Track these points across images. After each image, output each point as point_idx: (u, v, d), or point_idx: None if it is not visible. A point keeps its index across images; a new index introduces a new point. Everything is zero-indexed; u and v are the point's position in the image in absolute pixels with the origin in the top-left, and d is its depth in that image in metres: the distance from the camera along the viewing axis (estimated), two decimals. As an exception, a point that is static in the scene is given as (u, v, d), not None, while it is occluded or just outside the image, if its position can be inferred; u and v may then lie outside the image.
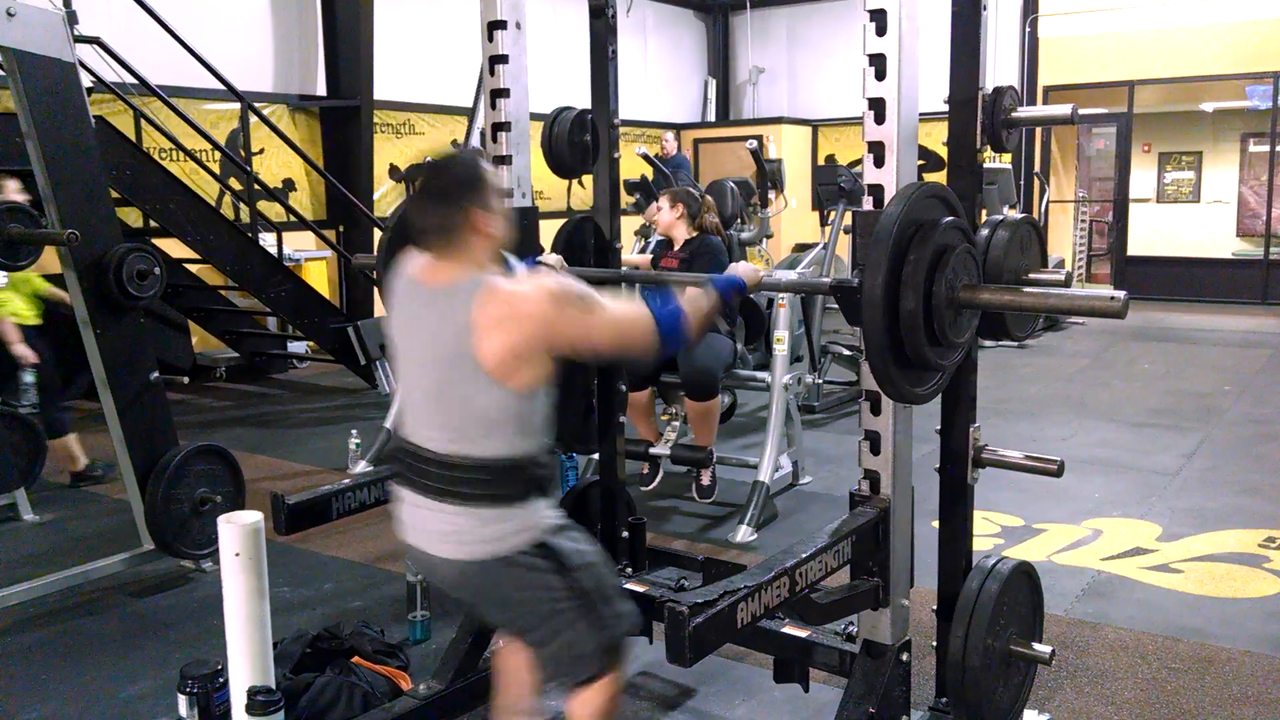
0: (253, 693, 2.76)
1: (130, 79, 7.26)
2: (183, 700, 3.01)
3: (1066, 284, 2.69)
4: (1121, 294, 1.98)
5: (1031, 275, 2.56)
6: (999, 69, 12.14)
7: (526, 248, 3.14)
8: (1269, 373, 8.28)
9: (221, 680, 3.00)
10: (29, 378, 5.19)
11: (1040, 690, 3.07)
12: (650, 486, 5.25)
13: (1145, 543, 4.45)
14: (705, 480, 5.07)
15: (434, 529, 2.15)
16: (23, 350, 5.08)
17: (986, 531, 4.55)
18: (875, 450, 2.50)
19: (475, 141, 6.77)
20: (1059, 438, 6.22)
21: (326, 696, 2.97)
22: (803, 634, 2.83)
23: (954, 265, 2.12)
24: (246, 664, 2.84)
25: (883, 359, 2.08)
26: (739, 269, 2.44)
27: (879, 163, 2.35)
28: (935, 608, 2.76)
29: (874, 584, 2.49)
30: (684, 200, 4.89)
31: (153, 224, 7.95)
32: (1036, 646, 2.72)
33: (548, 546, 2.17)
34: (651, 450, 4.66)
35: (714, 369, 4.77)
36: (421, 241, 2.16)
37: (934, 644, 2.75)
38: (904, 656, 2.55)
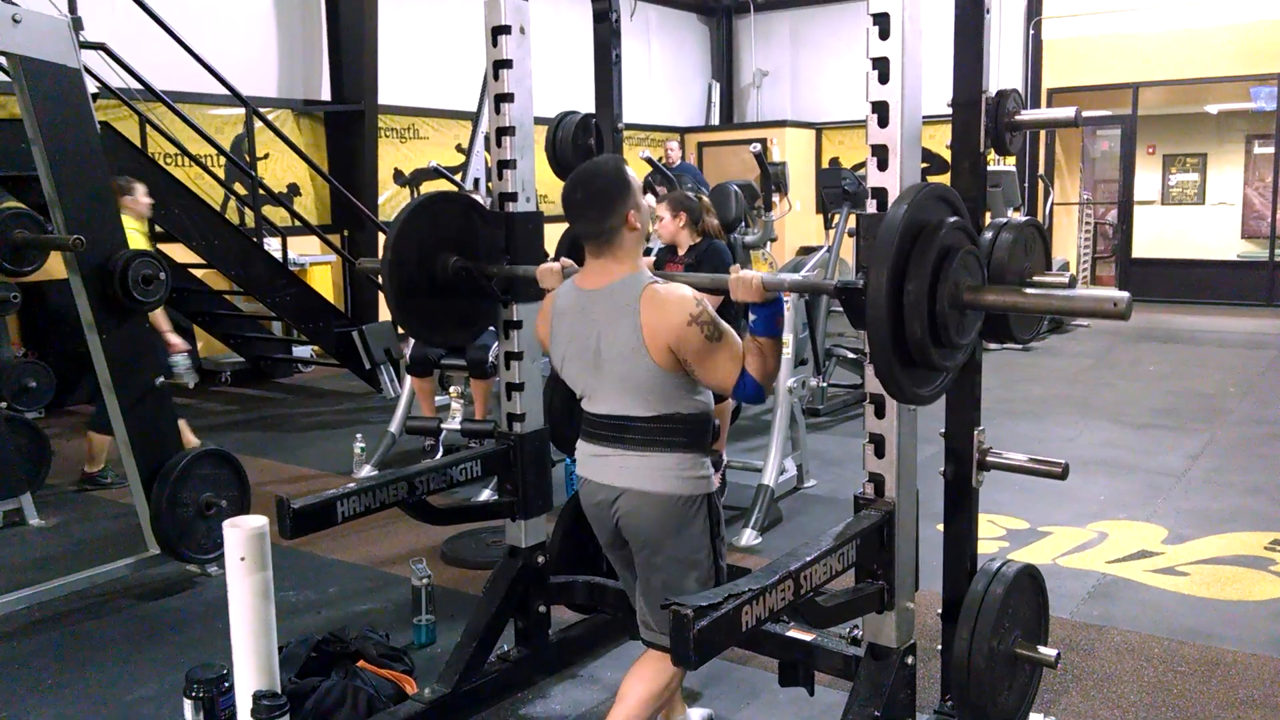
0: (258, 697, 2.77)
1: (135, 84, 7.28)
2: (188, 705, 3.01)
3: (1070, 286, 2.69)
4: (1124, 295, 1.96)
5: (1035, 278, 2.55)
6: (1003, 72, 12.12)
7: (531, 252, 3.15)
8: (1274, 374, 8.26)
9: (227, 684, 3.00)
10: (183, 361, 5.48)
11: (1046, 693, 3.06)
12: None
13: (1151, 545, 4.44)
14: (715, 482, 5.02)
15: (633, 467, 2.42)
16: (175, 339, 5.29)
17: (991, 534, 4.54)
18: (880, 453, 2.50)
19: (479, 146, 6.77)
20: (1064, 439, 6.21)
21: (331, 700, 2.97)
22: (807, 637, 2.83)
23: (958, 266, 2.11)
24: (252, 668, 2.84)
25: (887, 360, 2.07)
26: (743, 285, 2.37)
27: (882, 166, 2.34)
28: (940, 611, 2.75)
29: (879, 587, 2.48)
30: (684, 207, 4.86)
31: (158, 229, 7.96)
32: (1042, 649, 2.72)
33: (712, 504, 2.48)
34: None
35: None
36: (584, 242, 2.45)
37: (939, 647, 2.74)
38: (909, 659, 2.55)
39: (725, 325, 2.36)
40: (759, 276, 2.33)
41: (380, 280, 3.06)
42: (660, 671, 2.49)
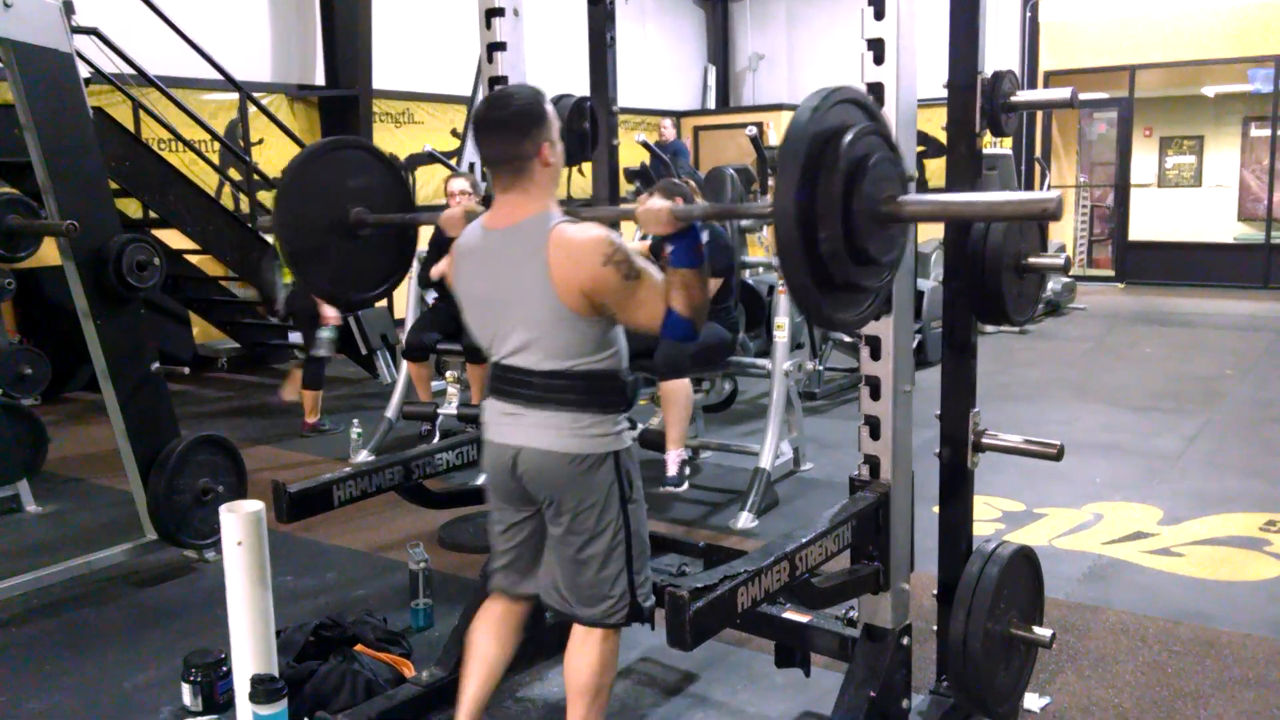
0: (256, 681, 2.77)
1: (128, 69, 7.25)
2: (186, 689, 3.03)
3: (1066, 268, 2.69)
4: (1054, 195, 1.80)
5: (1031, 259, 2.56)
6: (999, 53, 12.09)
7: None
8: (1271, 356, 8.27)
9: (225, 669, 3.02)
10: (327, 333, 6.12)
11: (1041, 673, 3.08)
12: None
13: (1147, 526, 4.45)
14: (671, 469, 4.75)
15: (532, 424, 2.31)
16: (329, 310, 5.75)
17: (988, 516, 4.55)
18: (875, 435, 2.51)
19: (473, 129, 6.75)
20: (1060, 422, 6.22)
21: (330, 684, 2.98)
22: (803, 619, 2.84)
23: (874, 175, 1.91)
24: (250, 652, 2.85)
25: (803, 283, 1.87)
26: (651, 216, 2.15)
27: (878, 147, 2.33)
28: (936, 592, 2.77)
29: (874, 568, 2.50)
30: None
31: (152, 215, 7.94)
32: (1037, 630, 2.73)
33: (622, 465, 2.34)
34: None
35: (681, 348, 4.51)
36: (492, 170, 2.31)
37: (935, 628, 2.76)
38: (905, 640, 2.56)
39: (643, 262, 2.21)
40: (667, 205, 2.14)
41: (276, 238, 2.86)
42: (599, 640, 2.37)
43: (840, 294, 1.97)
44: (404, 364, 6.04)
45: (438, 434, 5.89)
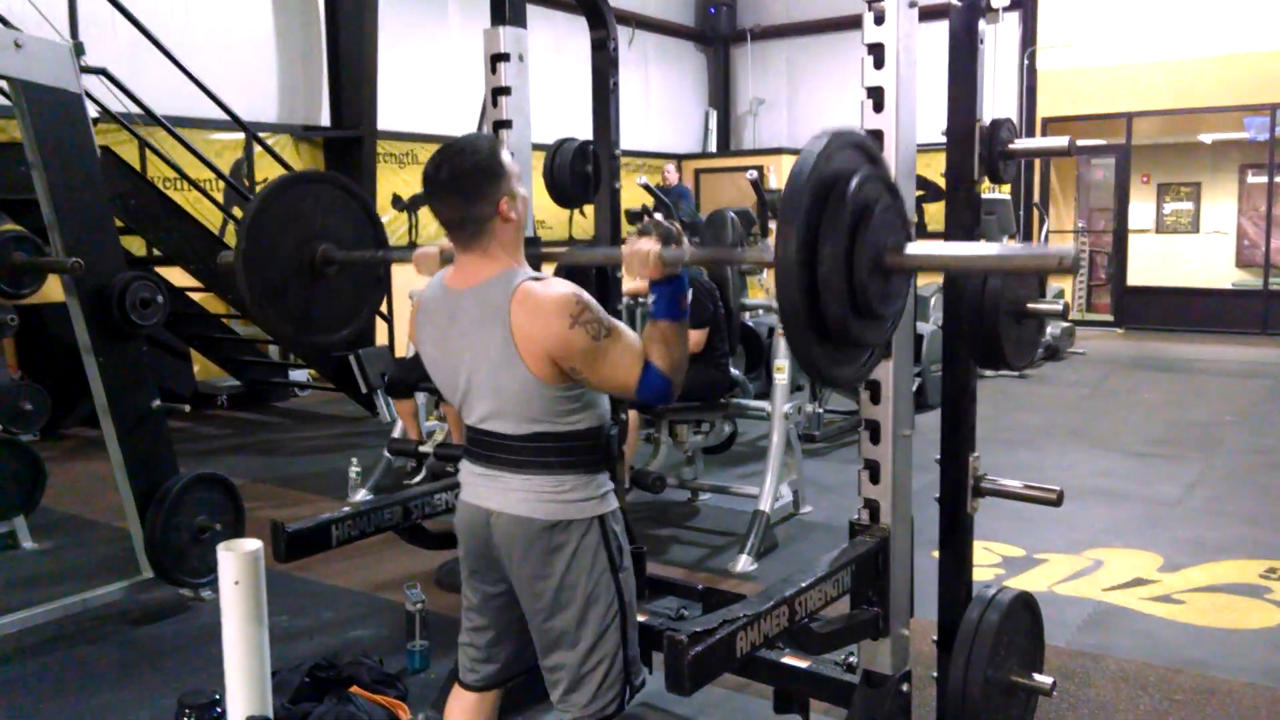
0: (250, 722, 2.75)
1: (135, 108, 7.32)
2: (180, 729, 3.00)
3: (1064, 315, 2.71)
4: (1069, 249, 1.72)
5: (1030, 305, 2.57)
6: (998, 101, 12.21)
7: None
8: (1270, 402, 8.28)
9: (219, 710, 2.99)
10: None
11: (1042, 721, 3.05)
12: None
13: (1147, 573, 4.43)
14: None
15: (507, 488, 2.14)
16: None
17: (987, 561, 4.53)
18: (875, 479, 2.51)
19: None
20: (1060, 467, 6.21)
21: (324, 726, 2.96)
22: (803, 664, 2.82)
23: (878, 225, 1.84)
24: (244, 693, 2.83)
25: (803, 336, 1.79)
26: (638, 259, 2.04)
27: (878, 193, 2.35)
28: (935, 638, 2.75)
29: (874, 613, 2.49)
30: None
31: (156, 252, 7.98)
32: (1037, 677, 2.72)
33: (609, 529, 2.16)
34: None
35: None
36: (449, 232, 2.14)
37: (934, 674, 2.74)
38: (904, 687, 2.55)
39: (614, 320, 2.05)
40: (656, 248, 2.01)
41: (236, 276, 2.65)
42: None
43: (839, 349, 1.91)
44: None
45: (425, 472, 5.89)
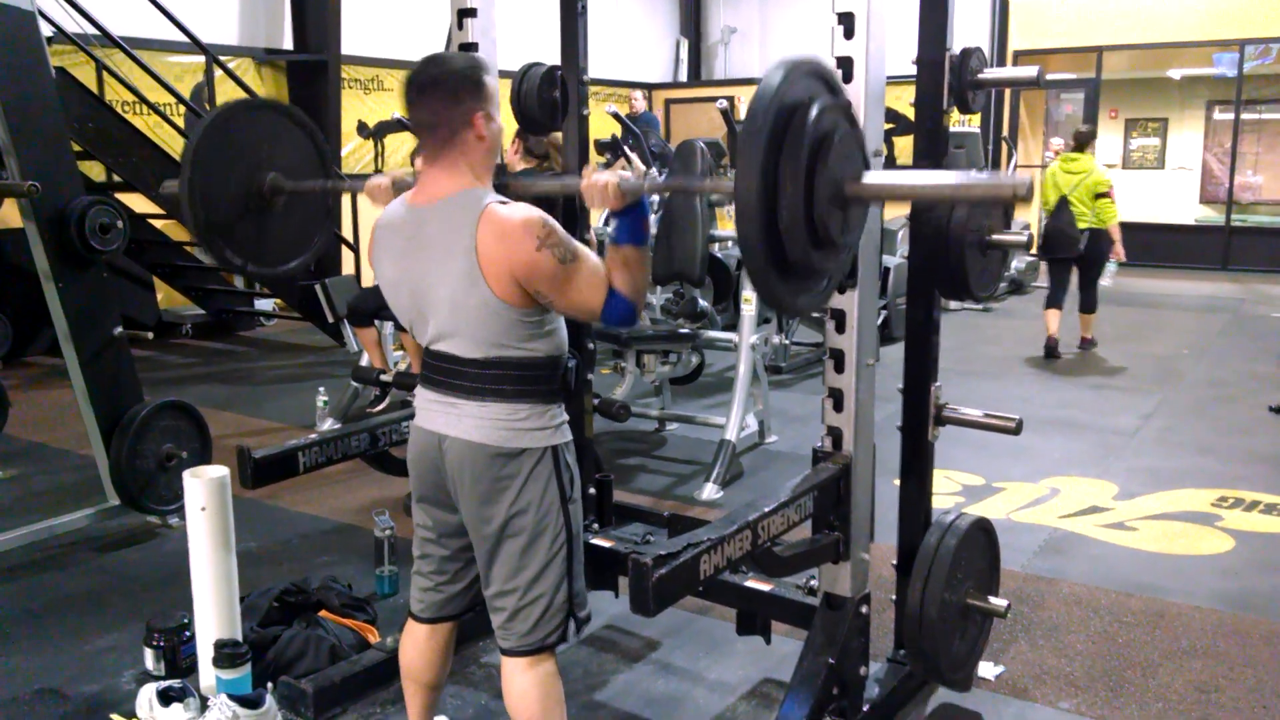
0: (219, 645, 2.79)
1: (92, 29, 7.12)
2: (149, 653, 3.04)
3: (1028, 245, 2.73)
4: (1026, 179, 1.76)
5: (995, 236, 2.60)
6: (969, 32, 12.12)
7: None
8: (1227, 337, 8.42)
9: (188, 634, 3.03)
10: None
11: (996, 642, 3.14)
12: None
13: (1102, 501, 4.54)
14: None
15: (462, 415, 2.11)
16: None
17: (947, 489, 4.62)
18: (838, 407, 2.54)
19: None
20: (1021, 398, 6.31)
21: (294, 649, 2.99)
22: (765, 587, 2.89)
23: (837, 155, 1.83)
24: (213, 617, 2.87)
25: (762, 266, 1.80)
26: (597, 191, 2.04)
27: (846, 122, 2.35)
28: (895, 562, 2.82)
29: (835, 538, 2.54)
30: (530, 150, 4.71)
31: (115, 178, 7.83)
32: (993, 600, 2.79)
33: (561, 460, 2.16)
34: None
35: None
36: (421, 139, 2.12)
37: (893, 598, 2.81)
38: (863, 609, 2.61)
39: (578, 244, 2.04)
40: (614, 178, 2.01)
41: (181, 206, 2.61)
42: (540, 664, 2.17)
43: (796, 278, 1.91)
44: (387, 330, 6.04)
45: (385, 401, 5.89)
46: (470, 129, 2.07)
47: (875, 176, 1.92)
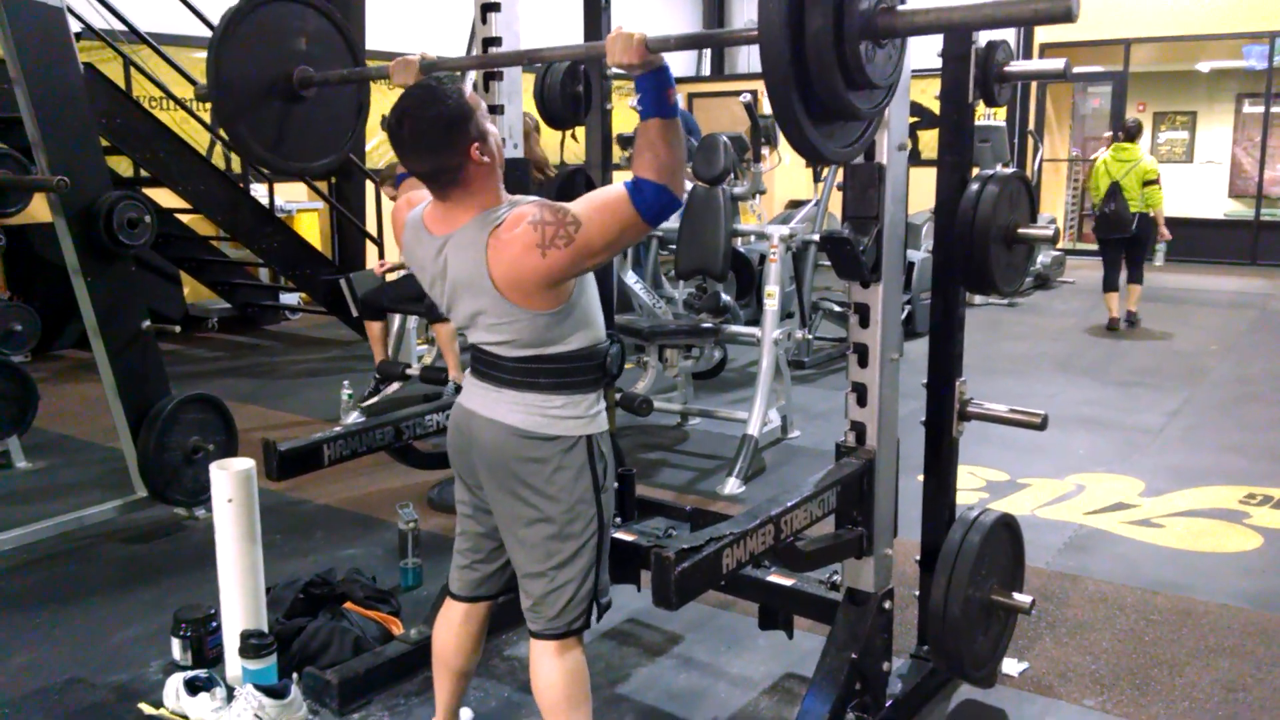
0: (246, 636, 2.81)
1: (119, 25, 7.17)
2: (176, 643, 3.06)
3: (1054, 240, 2.72)
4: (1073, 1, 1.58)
5: (1020, 230, 2.58)
6: (995, 25, 12.03)
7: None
8: (1255, 333, 8.33)
9: (214, 624, 3.05)
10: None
11: (1020, 640, 3.12)
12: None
13: (1128, 498, 4.50)
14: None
15: (499, 400, 2.15)
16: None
17: (971, 485, 4.60)
18: (862, 402, 2.53)
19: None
20: (1045, 395, 6.26)
21: (318, 640, 3.01)
22: (787, 582, 2.88)
23: None
24: (239, 608, 2.89)
25: (789, 106, 1.69)
26: (620, 43, 1.93)
27: (870, 116, 2.33)
28: (918, 558, 2.81)
29: (858, 533, 2.53)
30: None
31: (143, 173, 7.89)
32: (1017, 597, 2.78)
33: (595, 449, 2.17)
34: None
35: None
36: (426, 183, 2.11)
37: (916, 594, 2.80)
38: (886, 605, 2.60)
39: (572, 207, 1.98)
40: (640, 33, 1.90)
41: (208, 90, 2.57)
42: (568, 649, 2.21)
43: (829, 123, 1.81)
44: (394, 323, 6.06)
45: (377, 396, 5.95)
46: (469, 162, 2.05)
47: (909, 6, 1.77)
